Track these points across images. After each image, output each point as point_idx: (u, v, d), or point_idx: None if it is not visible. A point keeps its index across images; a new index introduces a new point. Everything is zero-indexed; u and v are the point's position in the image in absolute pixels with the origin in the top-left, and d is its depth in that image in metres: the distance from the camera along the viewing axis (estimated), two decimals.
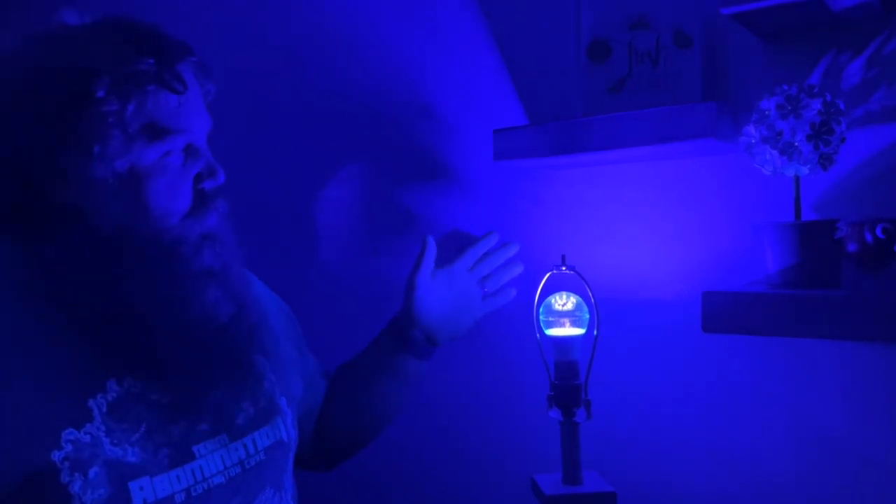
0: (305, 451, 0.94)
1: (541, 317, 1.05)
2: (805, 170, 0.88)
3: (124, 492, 0.69)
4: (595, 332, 1.02)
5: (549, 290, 1.05)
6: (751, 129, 0.90)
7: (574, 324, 1.04)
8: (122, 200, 0.73)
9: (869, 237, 0.78)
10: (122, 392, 0.72)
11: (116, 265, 0.73)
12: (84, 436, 0.69)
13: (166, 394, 0.74)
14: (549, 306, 1.05)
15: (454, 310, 0.99)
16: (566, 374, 1.02)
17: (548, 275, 1.04)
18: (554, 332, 1.04)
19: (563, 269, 1.03)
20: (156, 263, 0.74)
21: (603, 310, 1.03)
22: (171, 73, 0.74)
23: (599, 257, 1.14)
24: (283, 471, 0.85)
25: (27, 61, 0.73)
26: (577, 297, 1.05)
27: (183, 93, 0.74)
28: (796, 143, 0.86)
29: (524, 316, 1.07)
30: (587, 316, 1.04)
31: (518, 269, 1.05)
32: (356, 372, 1.03)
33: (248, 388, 0.84)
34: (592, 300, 1.02)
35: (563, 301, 1.05)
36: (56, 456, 0.67)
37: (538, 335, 1.05)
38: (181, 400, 0.75)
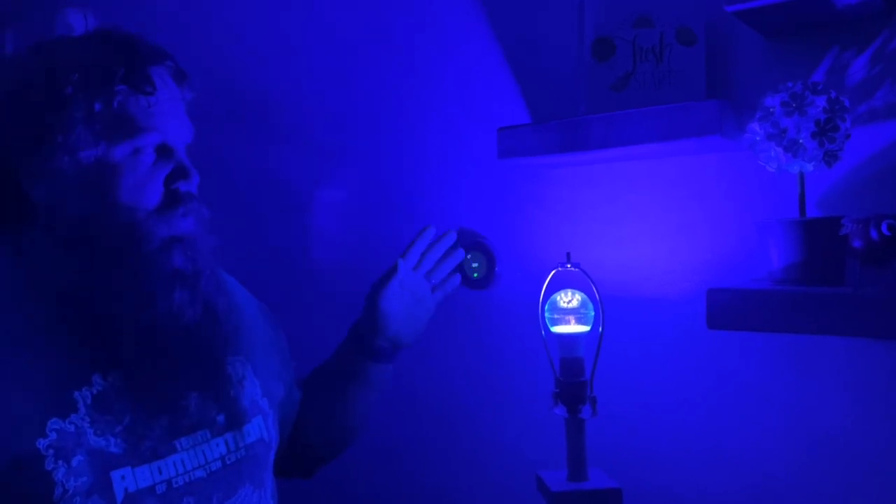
0: (282, 459, 0.96)
1: (546, 314, 1.06)
2: (810, 167, 0.88)
3: (106, 480, 0.72)
4: (600, 330, 1.02)
5: (555, 287, 1.05)
6: (755, 126, 0.90)
7: (579, 321, 1.04)
8: (90, 195, 0.76)
9: (874, 234, 0.78)
10: (107, 386, 0.75)
11: (87, 261, 0.76)
12: (68, 426, 0.72)
13: (146, 389, 0.76)
14: (555, 304, 1.05)
15: (411, 311, 1.00)
16: (571, 371, 1.02)
17: (553, 272, 1.05)
18: (559, 329, 1.04)
19: (569, 266, 1.04)
20: (121, 261, 0.76)
21: (608, 307, 1.03)
22: (141, 75, 0.77)
23: (604, 255, 1.14)
24: (263, 469, 0.87)
25: (5, 69, 0.79)
26: (583, 294, 1.05)
27: (152, 94, 0.77)
28: (801, 141, 0.86)
29: (529, 313, 1.07)
30: (592, 313, 1.04)
31: (458, 256, 1.05)
32: (324, 383, 1.04)
33: (229, 387, 0.86)
34: (597, 297, 1.02)
35: (569, 298, 1.05)
36: (41, 444, 0.70)
37: (543, 332, 1.05)
38: (162, 396, 0.78)
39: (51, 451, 0.70)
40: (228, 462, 0.82)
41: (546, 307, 1.06)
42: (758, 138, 0.90)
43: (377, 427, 1.09)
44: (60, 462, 0.70)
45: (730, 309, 0.88)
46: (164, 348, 0.77)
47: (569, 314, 1.04)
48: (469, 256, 1.26)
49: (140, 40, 0.81)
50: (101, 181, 0.76)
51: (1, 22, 1.61)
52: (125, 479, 0.73)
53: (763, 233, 0.93)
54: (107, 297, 0.76)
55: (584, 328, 1.04)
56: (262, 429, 0.88)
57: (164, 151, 0.79)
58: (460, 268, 1.27)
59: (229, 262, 1.00)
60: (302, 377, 1.07)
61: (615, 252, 1.15)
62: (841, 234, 0.83)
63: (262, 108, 1.55)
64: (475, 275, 1.26)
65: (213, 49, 1.59)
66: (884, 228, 0.78)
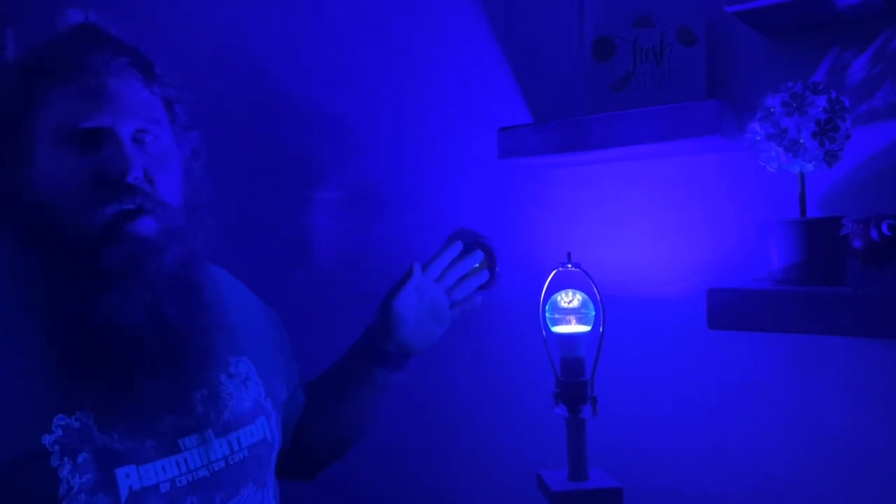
0: (284, 460, 0.96)
1: (547, 314, 1.06)
2: (810, 167, 0.88)
3: (111, 478, 0.72)
4: (601, 329, 1.02)
5: (555, 287, 1.05)
6: (756, 126, 0.90)
7: (580, 321, 1.04)
8: (21, 188, 0.75)
9: (875, 234, 0.79)
10: (111, 384, 0.74)
11: (32, 253, 0.76)
12: (74, 422, 0.72)
13: (149, 388, 0.76)
14: (556, 304, 1.05)
15: (426, 321, 0.99)
16: (572, 370, 1.02)
17: (554, 272, 1.05)
18: (560, 329, 1.04)
19: (569, 266, 1.04)
20: (48, 254, 0.75)
21: (609, 307, 1.03)
22: (73, 62, 0.76)
23: (605, 255, 1.14)
24: (266, 469, 0.87)
25: None
26: (583, 294, 1.05)
27: (75, 80, 0.75)
28: (801, 141, 0.86)
29: (530, 313, 1.08)
30: (593, 313, 1.04)
31: (483, 277, 1.03)
32: (331, 385, 1.03)
33: (233, 388, 0.86)
34: (598, 297, 1.02)
35: (569, 298, 1.05)
36: (46, 440, 0.70)
37: (544, 332, 1.05)
38: (165, 395, 0.77)
39: (56, 448, 0.70)
40: (231, 462, 0.82)
41: (547, 307, 1.06)
42: (758, 138, 0.90)
43: (378, 427, 1.09)
44: (66, 459, 0.70)
45: (730, 309, 0.88)
46: (152, 350, 0.76)
47: (569, 314, 1.04)
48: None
49: (103, 34, 0.80)
50: (24, 170, 0.75)
51: (1, 22, 1.61)
52: (130, 478, 0.73)
53: (763, 233, 0.93)
54: (56, 295, 0.75)
55: (585, 328, 1.04)
56: (265, 429, 0.88)
57: (94, 139, 0.75)
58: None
59: (229, 262, 1.00)
60: (305, 378, 1.07)
61: (615, 252, 1.15)
62: (841, 234, 0.83)
63: (262, 109, 1.55)
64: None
65: (212, 49, 1.59)
66: (884, 228, 0.78)
